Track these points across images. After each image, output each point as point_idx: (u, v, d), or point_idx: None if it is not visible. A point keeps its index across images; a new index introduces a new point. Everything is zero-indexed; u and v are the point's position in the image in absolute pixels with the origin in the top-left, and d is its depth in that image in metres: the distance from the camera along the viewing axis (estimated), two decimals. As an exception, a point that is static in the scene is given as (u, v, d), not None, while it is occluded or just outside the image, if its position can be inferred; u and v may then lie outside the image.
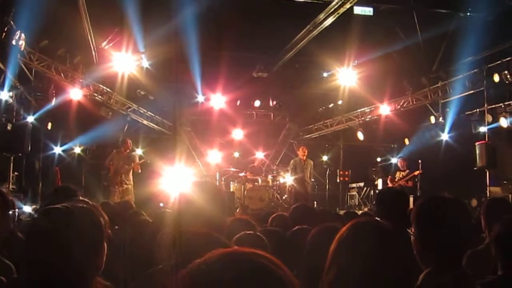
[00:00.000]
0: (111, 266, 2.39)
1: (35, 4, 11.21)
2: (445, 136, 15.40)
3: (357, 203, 17.48)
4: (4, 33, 11.62)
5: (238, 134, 18.22)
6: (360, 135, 17.90)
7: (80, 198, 3.94)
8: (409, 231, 2.67)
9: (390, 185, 15.15)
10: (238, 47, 15.58)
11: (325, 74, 17.40)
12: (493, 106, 13.72)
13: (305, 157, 14.55)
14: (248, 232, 3.32)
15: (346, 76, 15.98)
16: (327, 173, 17.43)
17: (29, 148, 12.58)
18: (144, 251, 4.05)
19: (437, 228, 2.56)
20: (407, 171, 14.81)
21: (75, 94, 14.82)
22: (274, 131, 19.61)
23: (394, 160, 17.38)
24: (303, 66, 16.91)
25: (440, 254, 2.54)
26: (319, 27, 13.20)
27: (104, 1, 12.44)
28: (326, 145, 19.42)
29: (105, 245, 2.30)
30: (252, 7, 13.02)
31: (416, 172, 14.38)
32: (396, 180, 14.86)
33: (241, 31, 14.42)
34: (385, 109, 16.73)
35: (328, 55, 15.34)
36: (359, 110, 17.82)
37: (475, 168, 13.33)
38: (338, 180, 18.24)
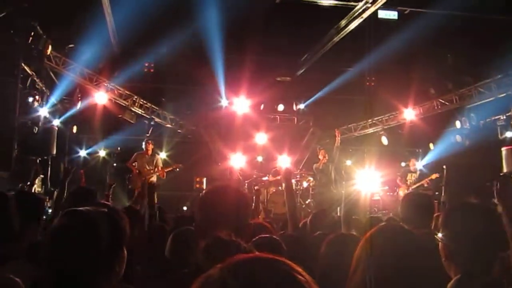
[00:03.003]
0: (127, 269, 2.37)
1: (61, 8, 11.33)
2: (472, 140, 15.18)
3: (381, 208, 17.28)
4: (30, 38, 11.75)
5: (261, 138, 18.16)
6: (384, 140, 17.75)
7: (102, 201, 3.95)
8: (437, 237, 2.60)
9: (402, 186, 15.04)
10: (261, 51, 15.54)
11: (349, 78, 17.28)
12: (520, 111, 13.51)
13: (325, 160, 14.46)
14: (263, 236, 3.27)
15: (370, 80, 15.87)
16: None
17: (55, 151, 12.71)
18: (160, 255, 4.03)
19: (467, 234, 2.49)
20: (418, 172, 14.74)
21: (100, 98, 14.94)
22: (298, 136, 19.51)
23: (418, 165, 17.17)
24: (328, 70, 16.78)
25: (470, 261, 2.47)
26: (343, 31, 13.12)
27: (129, 5, 12.49)
28: (350, 150, 19.27)
29: (125, 250, 2.29)
30: (276, 11, 12.97)
31: (433, 176, 14.23)
32: (409, 184, 14.75)
33: (265, 35, 14.39)
34: (409, 114, 16.57)
35: (353, 58, 15.23)
36: (384, 116, 17.66)
37: (501, 174, 13.11)
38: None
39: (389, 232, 2.17)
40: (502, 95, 13.74)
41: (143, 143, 13.79)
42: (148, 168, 13.19)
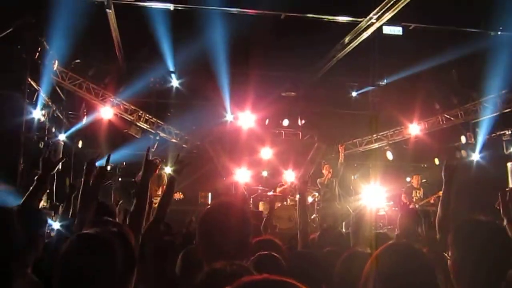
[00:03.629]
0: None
1: (67, 24, 11.39)
2: (476, 156, 15.13)
3: (386, 223, 17.19)
4: (37, 53, 11.82)
5: (266, 153, 18.14)
6: (389, 155, 17.72)
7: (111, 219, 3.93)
8: (446, 255, 2.58)
9: (406, 202, 14.97)
10: (266, 66, 15.59)
11: (354, 94, 17.30)
12: (525, 126, 13.48)
13: (330, 175, 14.46)
14: (262, 253, 3.23)
15: (375, 95, 15.87)
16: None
17: (61, 166, 12.71)
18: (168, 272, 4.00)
19: (475, 252, 2.47)
20: (422, 189, 14.70)
21: (106, 113, 14.99)
22: (303, 150, 19.48)
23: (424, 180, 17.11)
24: (332, 85, 16.80)
25: (477, 279, 2.45)
26: (348, 47, 13.15)
27: (134, 21, 12.56)
28: (355, 165, 19.21)
29: (135, 271, 2.27)
30: (281, 26, 13.01)
31: (440, 193, 14.15)
32: (415, 200, 14.69)
33: (270, 50, 14.44)
34: (414, 129, 16.56)
35: (357, 74, 15.26)
36: (389, 131, 17.65)
37: (507, 189, 13.03)
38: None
39: (398, 251, 2.16)
40: (507, 110, 13.72)
41: None
42: (155, 188, 13.15)
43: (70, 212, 8.86)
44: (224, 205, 2.84)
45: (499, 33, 13.03)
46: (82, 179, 4.47)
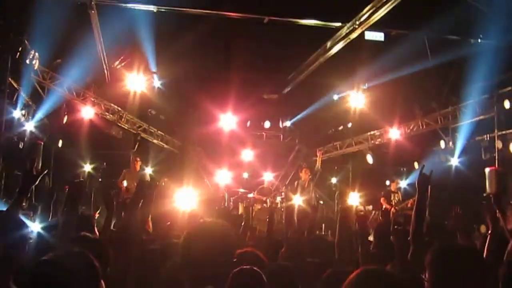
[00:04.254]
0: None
1: (49, 23, 11.30)
2: (454, 161, 15.24)
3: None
4: (18, 53, 11.70)
5: (247, 155, 18.16)
6: (370, 158, 17.82)
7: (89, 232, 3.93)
8: (423, 276, 2.61)
9: (386, 207, 15.09)
10: (248, 69, 15.60)
11: (335, 97, 17.36)
12: (503, 132, 13.58)
13: (308, 179, 14.52)
14: (244, 267, 3.21)
15: (356, 99, 15.92)
16: (336, 195, 17.31)
17: (40, 166, 12.59)
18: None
19: (453, 278, 2.50)
20: (399, 193, 14.86)
21: (87, 112, 14.90)
22: (283, 153, 19.53)
23: (403, 184, 17.22)
24: (314, 88, 16.85)
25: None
26: (330, 51, 13.20)
27: (117, 22, 12.49)
28: (336, 167, 19.31)
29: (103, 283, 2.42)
30: (263, 30, 13.03)
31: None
32: (394, 204, 14.85)
33: (251, 53, 14.47)
34: (395, 133, 16.66)
35: (339, 78, 15.33)
36: (369, 133, 17.76)
37: (484, 194, 13.18)
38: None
39: (371, 276, 2.17)
40: (485, 116, 13.86)
41: (131, 160, 13.79)
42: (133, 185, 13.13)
43: (50, 216, 8.80)
44: (208, 227, 2.83)
45: (478, 40, 13.16)
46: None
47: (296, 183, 14.89)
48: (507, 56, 12.45)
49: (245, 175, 17.84)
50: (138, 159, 13.93)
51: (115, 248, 3.79)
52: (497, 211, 4.39)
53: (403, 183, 17.31)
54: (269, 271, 3.41)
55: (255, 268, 3.20)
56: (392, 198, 15.16)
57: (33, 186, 4.49)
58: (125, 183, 13.03)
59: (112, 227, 5.70)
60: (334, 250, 4.96)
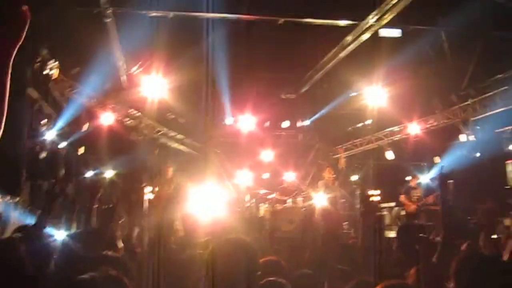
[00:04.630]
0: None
1: (67, 33, 11.40)
2: (476, 154, 15.13)
3: (388, 223, 17.22)
4: (37, 62, 11.82)
5: (267, 155, 18.18)
6: (390, 154, 17.75)
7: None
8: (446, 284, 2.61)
9: (408, 204, 15.03)
10: (266, 69, 15.61)
11: (353, 94, 17.30)
12: (525, 123, 13.48)
13: (333, 178, 14.48)
14: (270, 279, 3.20)
15: (374, 95, 15.85)
16: (357, 193, 17.25)
17: (62, 174, 12.75)
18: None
19: (477, 285, 2.49)
20: (419, 189, 14.81)
21: (106, 119, 15.00)
22: (303, 152, 19.53)
23: (424, 179, 17.13)
24: (331, 86, 16.81)
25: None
26: (346, 49, 13.15)
27: (134, 28, 12.56)
28: (356, 165, 19.25)
29: None
30: (279, 29, 13.02)
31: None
32: (415, 200, 14.80)
33: (269, 52, 14.47)
34: (414, 128, 16.58)
35: (356, 74, 15.26)
36: (388, 129, 17.69)
37: (506, 187, 13.10)
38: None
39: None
40: (507, 108, 13.72)
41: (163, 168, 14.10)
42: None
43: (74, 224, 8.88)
44: (231, 244, 2.86)
45: (497, 32, 13.04)
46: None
47: (320, 182, 14.85)
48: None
49: (266, 175, 17.86)
50: (170, 166, 14.20)
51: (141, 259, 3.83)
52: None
53: (424, 178, 17.22)
54: (292, 280, 3.41)
55: (279, 280, 3.20)
56: (413, 194, 15.08)
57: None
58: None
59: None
60: (360, 255, 4.96)
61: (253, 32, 13.35)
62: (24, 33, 1.39)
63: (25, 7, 1.35)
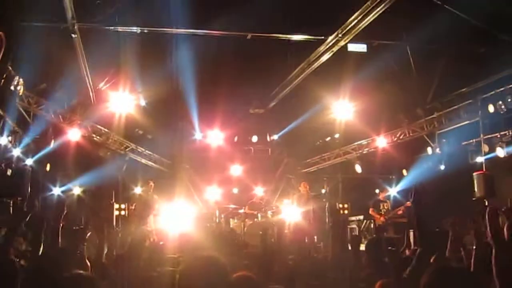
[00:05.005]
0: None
1: (33, 48, 11.26)
2: (442, 167, 15.33)
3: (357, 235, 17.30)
4: (2, 80, 11.63)
5: (236, 170, 18.18)
6: (358, 168, 17.90)
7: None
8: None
9: (376, 217, 15.13)
10: (234, 84, 15.62)
11: (321, 109, 17.42)
12: (489, 136, 13.70)
13: (307, 193, 14.59)
14: None
15: (342, 109, 15.99)
16: (326, 206, 17.30)
17: (29, 191, 12.50)
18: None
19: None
20: (388, 202, 14.95)
21: (73, 135, 14.81)
22: (272, 166, 19.58)
23: (392, 192, 17.32)
24: (300, 101, 16.90)
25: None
26: (314, 65, 13.28)
27: (101, 43, 12.48)
28: (325, 179, 19.33)
29: None
30: (247, 45, 13.07)
31: (408, 203, 14.34)
32: (383, 213, 14.91)
33: (237, 68, 14.49)
34: (382, 141, 16.76)
35: (324, 89, 15.39)
36: (356, 143, 17.85)
37: (473, 199, 13.27)
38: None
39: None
40: (471, 121, 13.97)
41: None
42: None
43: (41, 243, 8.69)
44: (204, 261, 2.85)
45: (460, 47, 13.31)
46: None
47: (294, 196, 14.93)
48: (488, 61, 12.59)
49: (235, 190, 17.83)
50: (152, 182, 14.21)
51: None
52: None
53: (393, 191, 17.41)
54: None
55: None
56: (381, 207, 15.22)
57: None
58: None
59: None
60: (330, 269, 4.97)
61: (221, 48, 13.38)
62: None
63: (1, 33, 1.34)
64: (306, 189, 14.65)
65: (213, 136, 17.47)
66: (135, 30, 11.76)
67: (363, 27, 11.23)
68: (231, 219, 15.71)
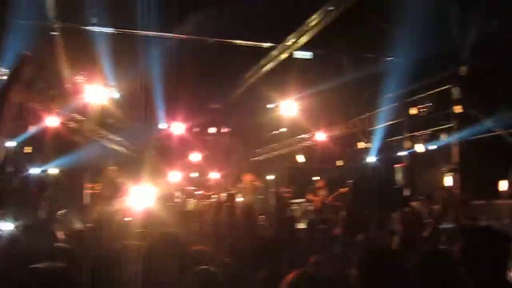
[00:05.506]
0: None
1: (15, 40, 10.92)
2: (372, 159, 15.63)
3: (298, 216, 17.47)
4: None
5: (195, 157, 18.14)
6: (300, 158, 18.11)
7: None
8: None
9: (314, 199, 15.22)
10: (196, 82, 15.59)
11: (270, 106, 17.54)
12: (410, 134, 14.10)
13: (252, 183, 14.61)
14: (203, 267, 3.15)
15: (288, 107, 16.09)
16: (272, 190, 17.42)
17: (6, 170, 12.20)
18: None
19: (376, 274, 2.59)
20: (324, 188, 15.09)
21: (52, 122, 14.44)
22: (226, 155, 19.63)
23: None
24: (252, 99, 16.98)
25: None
26: (264, 69, 13.40)
27: (78, 41, 12.21)
28: (272, 167, 19.48)
29: None
30: (206, 49, 13.04)
31: (344, 190, 14.56)
32: (320, 197, 15.05)
33: (199, 69, 14.45)
34: (321, 136, 16.96)
35: (273, 90, 15.49)
36: (299, 137, 18.04)
37: (394, 187, 13.65)
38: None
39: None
40: (395, 121, 14.36)
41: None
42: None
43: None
44: (167, 236, 2.85)
45: (390, 58, 13.57)
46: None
47: (241, 184, 14.96)
48: (412, 71, 12.88)
49: (194, 174, 17.77)
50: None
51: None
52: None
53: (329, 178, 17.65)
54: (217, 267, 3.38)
55: (211, 268, 3.17)
56: (319, 193, 15.37)
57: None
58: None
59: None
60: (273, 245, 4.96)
61: (186, 51, 13.30)
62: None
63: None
64: (249, 181, 14.68)
65: (176, 127, 17.32)
66: (110, 31, 11.55)
67: (310, 36, 11.39)
68: (189, 199, 15.66)
